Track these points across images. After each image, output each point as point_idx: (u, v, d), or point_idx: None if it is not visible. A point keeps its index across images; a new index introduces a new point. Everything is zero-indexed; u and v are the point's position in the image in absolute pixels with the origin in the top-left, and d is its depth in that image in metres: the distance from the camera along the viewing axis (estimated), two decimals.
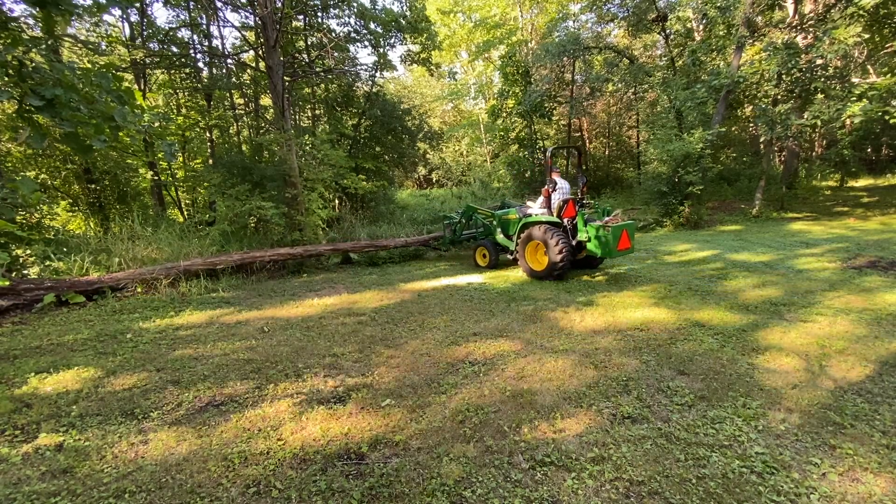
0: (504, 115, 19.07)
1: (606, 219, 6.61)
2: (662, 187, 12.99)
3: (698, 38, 16.18)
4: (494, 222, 8.30)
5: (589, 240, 6.61)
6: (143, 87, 11.96)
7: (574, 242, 6.83)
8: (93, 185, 11.10)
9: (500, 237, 8.06)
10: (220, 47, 13.29)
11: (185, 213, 13.23)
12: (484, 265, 8.26)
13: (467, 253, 9.94)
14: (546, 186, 7.08)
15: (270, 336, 4.78)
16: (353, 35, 13.32)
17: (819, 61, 11.93)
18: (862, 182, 19.02)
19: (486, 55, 25.66)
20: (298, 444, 2.75)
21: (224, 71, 13.43)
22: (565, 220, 6.85)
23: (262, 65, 11.73)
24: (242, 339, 4.71)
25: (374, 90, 14.37)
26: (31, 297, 5.78)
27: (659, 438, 2.71)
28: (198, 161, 14.25)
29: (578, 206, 7.01)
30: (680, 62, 15.58)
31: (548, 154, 7.20)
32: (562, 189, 7.26)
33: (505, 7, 24.40)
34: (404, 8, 13.65)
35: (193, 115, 13.53)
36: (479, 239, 8.89)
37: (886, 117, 10.37)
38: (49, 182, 10.83)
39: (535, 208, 7.63)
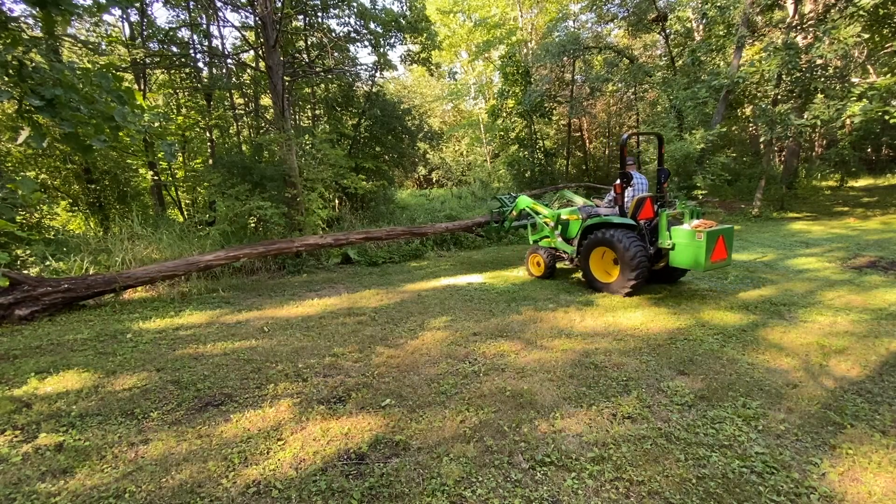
0: (504, 115, 19.08)
1: (696, 222, 5.42)
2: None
3: (698, 38, 16.19)
4: (551, 223, 6.91)
5: (673, 247, 5.41)
6: (143, 87, 11.95)
7: (652, 250, 5.67)
8: (93, 185, 11.09)
9: (558, 241, 6.80)
10: (220, 47, 13.29)
11: (185, 213, 13.23)
12: (539, 275, 7.04)
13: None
14: (617, 181, 5.85)
15: (270, 336, 4.78)
16: (353, 35, 13.31)
17: (819, 61, 11.94)
18: (862, 182, 19.03)
19: (486, 55, 25.67)
20: (298, 444, 2.75)
21: (224, 71, 13.43)
22: (641, 223, 5.74)
23: (262, 65, 11.73)
24: (242, 339, 4.71)
25: (374, 90, 14.37)
26: (49, 302, 5.42)
27: (659, 438, 2.71)
28: (198, 161, 14.24)
29: (658, 206, 5.93)
30: (680, 62, 15.58)
31: (622, 140, 5.95)
32: (637, 184, 6.15)
33: (505, 7, 24.41)
34: (404, 8, 13.64)
35: (193, 115, 13.52)
36: (533, 242, 7.51)
37: (886, 117, 10.37)
38: (49, 182, 10.82)
39: (603, 207, 6.55)
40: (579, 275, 6.89)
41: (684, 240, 5.30)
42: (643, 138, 18.10)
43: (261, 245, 7.17)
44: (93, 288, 5.80)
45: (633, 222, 5.70)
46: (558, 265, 7.21)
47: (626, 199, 5.94)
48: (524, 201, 7.60)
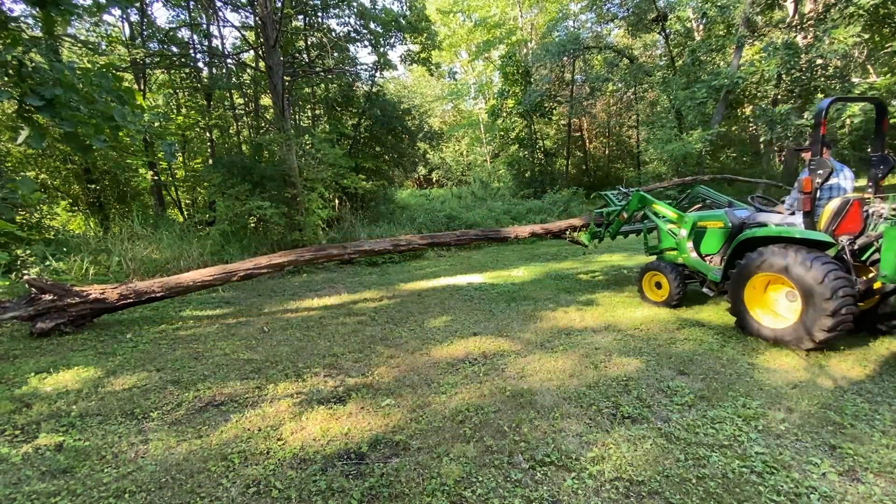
0: (504, 114, 19.10)
1: None
2: None
3: (698, 38, 16.19)
4: (682, 230, 5.07)
5: None
6: (143, 87, 11.95)
7: (860, 284, 3.67)
8: (93, 185, 11.10)
9: (690, 256, 5.03)
10: (220, 47, 13.29)
11: (185, 213, 13.23)
12: (659, 300, 5.30)
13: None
14: (805, 174, 3.89)
15: (270, 336, 4.78)
16: (353, 35, 13.34)
17: (819, 61, 11.95)
18: (862, 182, 19.01)
19: (486, 55, 25.69)
20: (298, 444, 2.75)
21: (224, 71, 13.43)
22: (842, 240, 3.73)
23: (262, 65, 11.73)
24: (242, 339, 4.71)
25: (374, 90, 14.37)
26: (75, 314, 4.93)
27: (659, 438, 2.71)
28: (198, 161, 14.25)
29: (871, 213, 3.86)
30: (680, 62, 15.59)
31: (821, 109, 3.81)
32: (841, 182, 4.15)
33: (504, 7, 24.41)
34: (404, 8, 13.66)
35: (193, 115, 13.53)
36: (649, 253, 5.90)
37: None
38: (49, 182, 10.83)
39: (781, 213, 4.51)
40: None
41: None
42: (643, 137, 18.04)
43: (308, 251, 6.38)
44: (126, 300, 5.28)
45: (828, 238, 3.74)
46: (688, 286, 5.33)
47: (818, 202, 3.97)
48: (642, 199, 5.73)
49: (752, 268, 4.04)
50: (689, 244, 5.07)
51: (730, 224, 4.75)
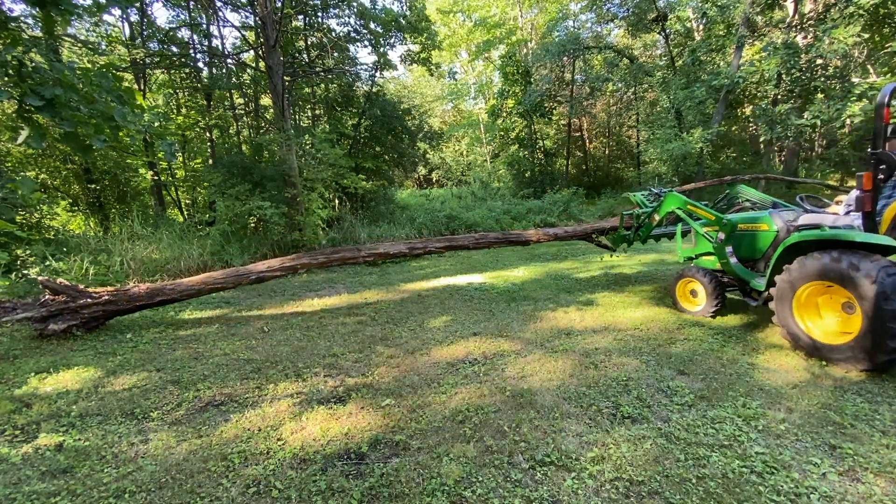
0: (504, 114, 19.10)
1: None
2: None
3: (698, 38, 16.20)
4: (719, 233, 4.72)
5: None
6: (143, 87, 11.95)
7: None
8: (93, 185, 11.10)
9: (729, 262, 4.63)
10: (220, 47, 13.29)
11: (185, 213, 13.23)
12: (693, 309, 4.94)
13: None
14: (868, 169, 3.43)
15: (270, 336, 4.78)
16: (353, 35, 13.35)
17: (819, 61, 11.95)
18: None
19: (486, 55, 25.70)
20: (298, 444, 2.75)
21: (224, 71, 13.43)
22: None
23: (262, 65, 11.73)
24: (242, 339, 4.71)
25: (374, 90, 14.38)
26: (88, 315, 4.88)
27: (659, 438, 2.71)
28: (198, 161, 14.25)
29: None
30: (680, 62, 15.59)
31: (885, 96, 3.40)
32: None
33: (505, 7, 24.42)
34: (404, 8, 13.66)
35: (193, 115, 13.53)
36: (685, 261, 5.46)
37: None
38: (49, 182, 10.83)
39: (835, 214, 4.10)
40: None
41: None
42: (643, 137, 18.01)
43: (321, 254, 6.25)
44: (135, 301, 5.22)
45: (893, 242, 3.30)
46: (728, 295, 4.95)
47: (886, 200, 3.52)
48: (675, 200, 5.33)
49: (802, 275, 3.62)
50: (729, 249, 4.66)
51: (775, 227, 4.38)
